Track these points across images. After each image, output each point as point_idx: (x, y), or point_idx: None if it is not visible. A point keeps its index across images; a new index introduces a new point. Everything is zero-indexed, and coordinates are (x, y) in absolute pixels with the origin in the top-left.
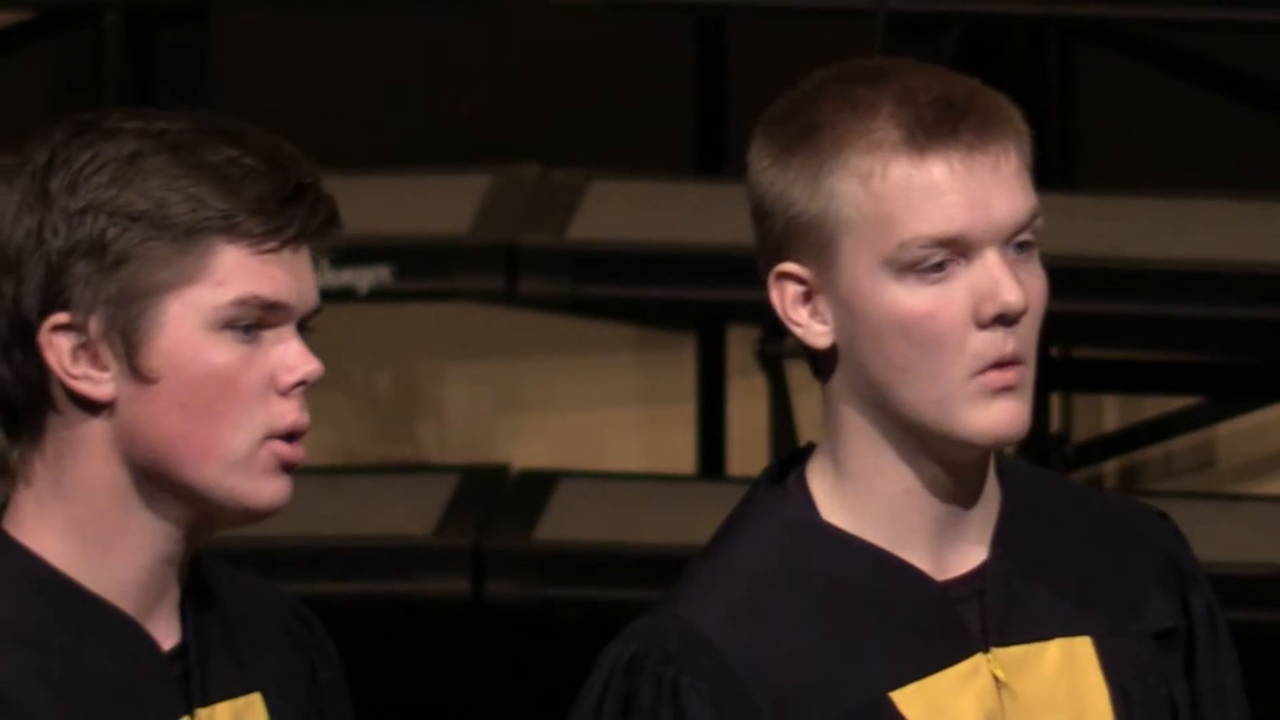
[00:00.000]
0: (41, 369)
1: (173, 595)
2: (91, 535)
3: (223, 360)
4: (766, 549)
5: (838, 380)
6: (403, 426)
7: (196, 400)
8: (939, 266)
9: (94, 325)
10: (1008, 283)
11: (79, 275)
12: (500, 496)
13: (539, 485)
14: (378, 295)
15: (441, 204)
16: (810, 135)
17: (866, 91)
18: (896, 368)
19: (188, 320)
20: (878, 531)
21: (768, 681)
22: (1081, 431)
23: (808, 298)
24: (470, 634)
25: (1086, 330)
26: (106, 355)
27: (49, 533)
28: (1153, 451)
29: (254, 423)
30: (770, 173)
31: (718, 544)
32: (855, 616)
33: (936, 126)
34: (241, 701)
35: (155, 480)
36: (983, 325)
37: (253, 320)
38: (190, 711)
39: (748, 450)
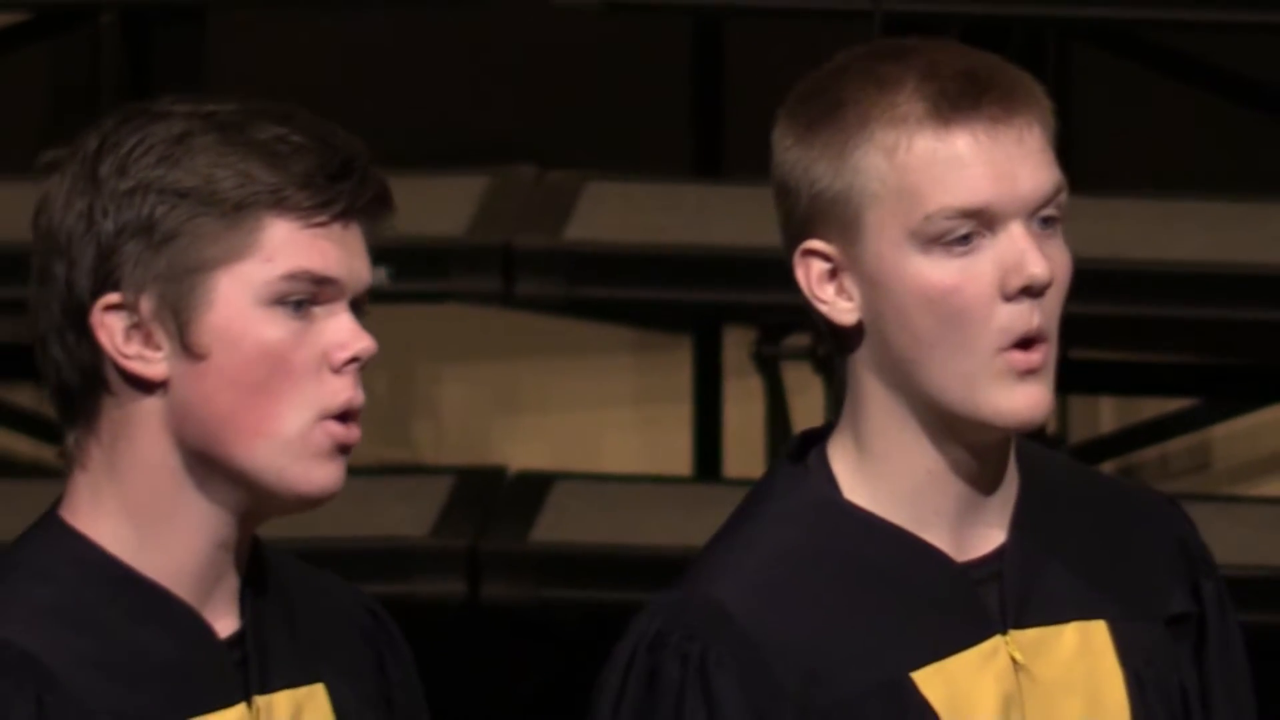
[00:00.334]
0: (95, 351)
1: (231, 582)
2: (145, 519)
3: (273, 336)
4: (788, 527)
5: (862, 358)
6: (399, 428)
7: (247, 377)
8: (964, 239)
9: (145, 304)
10: (1034, 255)
11: (129, 255)
12: (497, 498)
13: (535, 486)
14: (374, 296)
15: (438, 205)
16: (835, 112)
17: (891, 68)
18: (922, 343)
19: (238, 296)
20: (899, 511)
21: (791, 658)
22: (1078, 433)
23: (833, 275)
24: (467, 635)
25: (1083, 332)
26: (159, 334)
27: (103, 518)
28: (1149, 453)
29: (306, 401)
30: (795, 150)
31: (739, 522)
32: (876, 596)
33: (961, 99)
34: (303, 691)
35: (208, 462)
36: (1009, 298)
37: (304, 296)
38: (248, 698)
39: (744, 452)
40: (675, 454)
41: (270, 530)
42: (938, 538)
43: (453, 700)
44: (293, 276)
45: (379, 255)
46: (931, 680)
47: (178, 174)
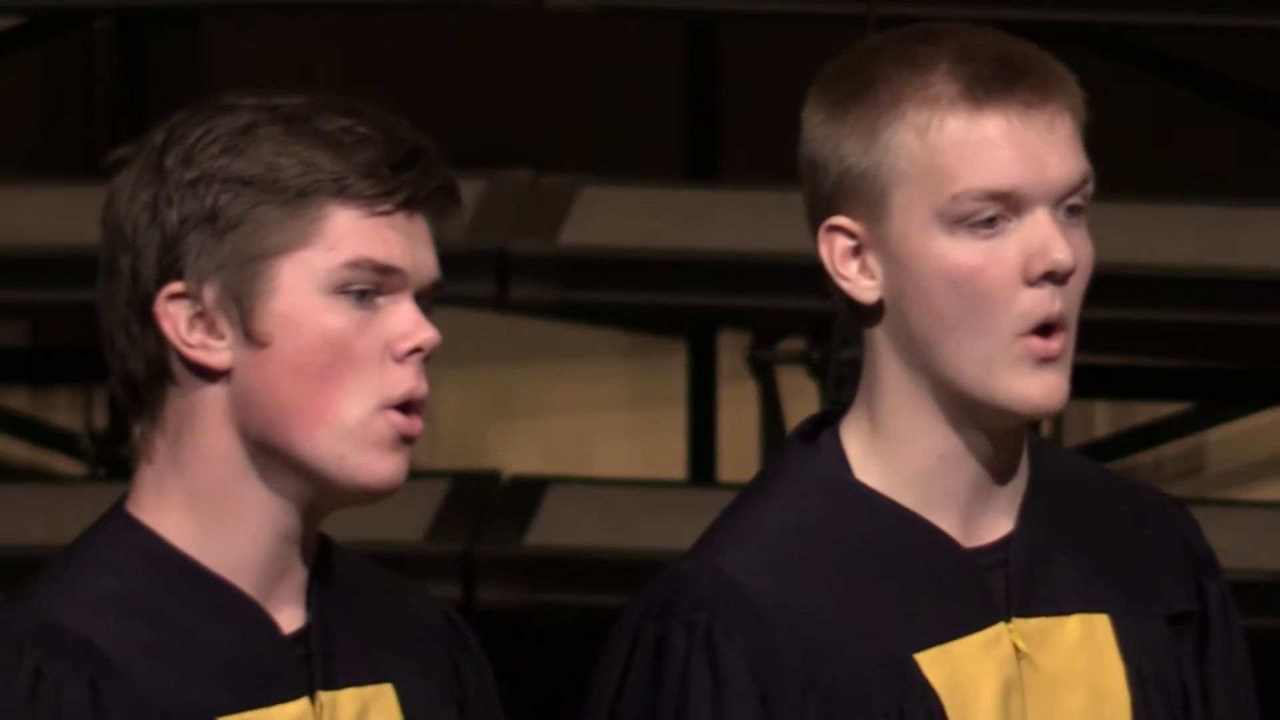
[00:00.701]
0: (160, 341)
1: (297, 577)
2: (208, 510)
3: (335, 324)
4: (798, 504)
5: (881, 338)
6: None
7: (309, 364)
8: (990, 222)
9: (208, 293)
10: (1058, 241)
11: (193, 244)
12: (491, 502)
13: (530, 491)
14: None
15: None
16: (867, 90)
17: (925, 49)
18: (943, 323)
19: (300, 283)
20: (909, 494)
21: (796, 633)
22: (1072, 437)
23: (857, 252)
24: None
25: (1077, 336)
26: (222, 323)
27: (168, 510)
28: (1143, 457)
29: (368, 389)
30: (825, 126)
31: (748, 498)
32: (883, 577)
33: (994, 82)
34: (370, 690)
35: (270, 452)
36: (1031, 283)
37: (367, 285)
38: (311, 694)
39: (738, 456)
40: (670, 458)
41: None
42: (946, 522)
43: None
44: (355, 264)
45: None
46: (935, 662)
47: (242, 163)
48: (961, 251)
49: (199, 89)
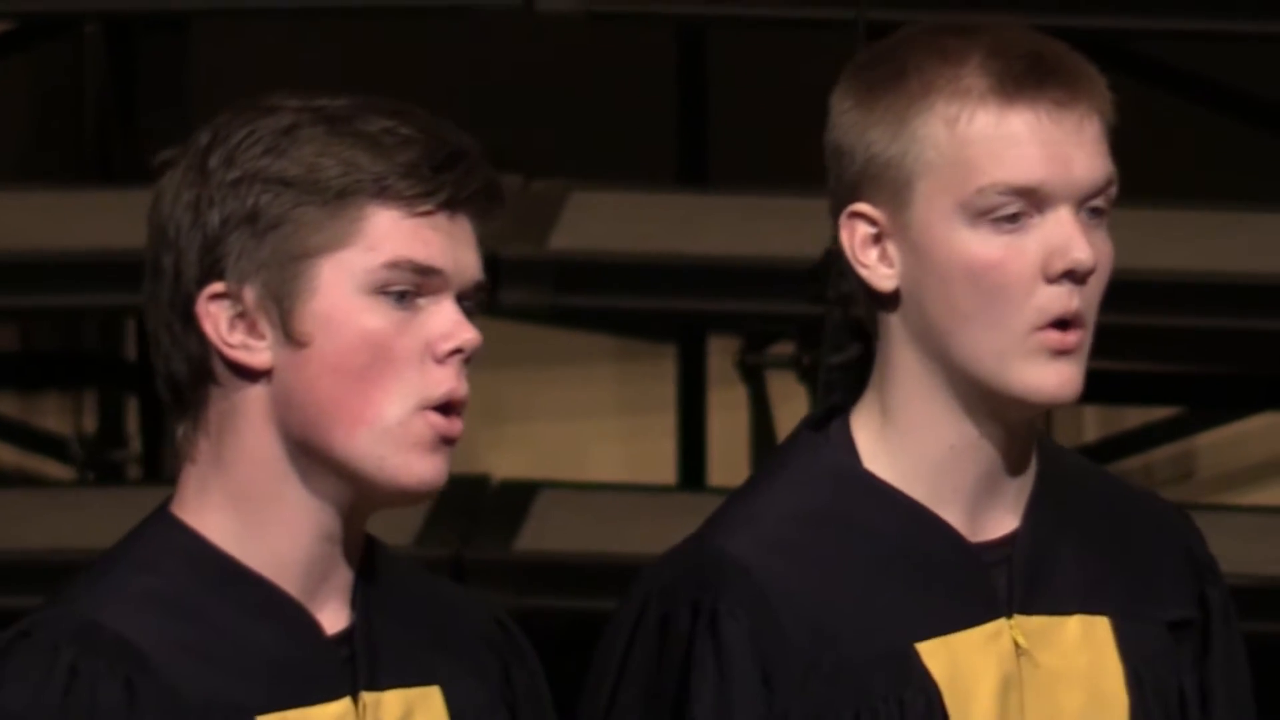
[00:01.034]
0: (201, 342)
1: (341, 579)
2: (250, 510)
3: (375, 325)
4: (806, 491)
5: (896, 327)
6: None
7: (348, 364)
8: (1013, 218)
9: (249, 293)
10: (1079, 240)
11: (234, 244)
12: (481, 507)
13: (520, 495)
14: None
15: None
16: (898, 79)
17: (957, 42)
18: (959, 314)
19: (340, 283)
20: (917, 485)
21: (801, 616)
22: (1062, 441)
23: (877, 239)
24: None
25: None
26: (263, 323)
27: (210, 510)
28: (1133, 462)
29: (407, 390)
30: (853, 113)
31: (756, 484)
32: (887, 566)
33: (1025, 79)
34: (416, 692)
35: (310, 453)
36: (1050, 280)
37: (407, 286)
38: (354, 694)
39: (728, 461)
40: (660, 463)
41: None
42: (953, 516)
43: None
44: (395, 265)
45: None
46: (936, 653)
47: (283, 164)
48: (982, 245)
49: (188, 94)
